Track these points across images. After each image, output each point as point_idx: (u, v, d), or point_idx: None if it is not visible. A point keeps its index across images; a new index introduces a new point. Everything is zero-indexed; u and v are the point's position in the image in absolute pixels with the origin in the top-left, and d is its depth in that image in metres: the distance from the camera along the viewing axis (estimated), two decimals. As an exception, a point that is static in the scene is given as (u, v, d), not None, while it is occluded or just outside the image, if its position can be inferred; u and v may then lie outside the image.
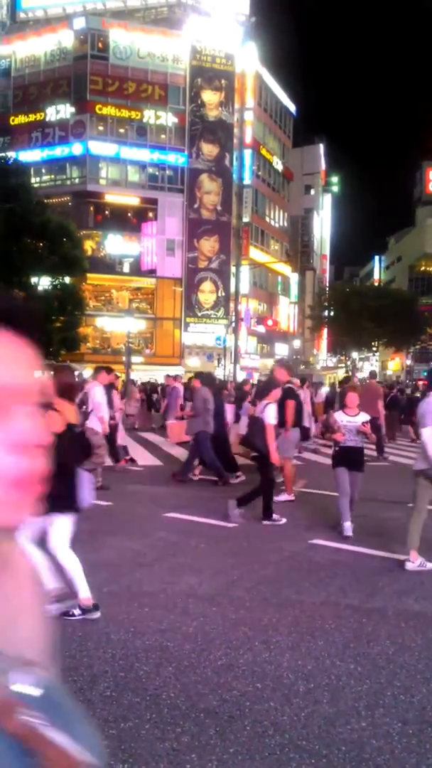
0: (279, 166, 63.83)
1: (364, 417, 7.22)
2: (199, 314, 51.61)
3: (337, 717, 3.29)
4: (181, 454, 14.20)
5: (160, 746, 2.98)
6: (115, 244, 49.92)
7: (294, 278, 70.10)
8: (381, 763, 2.91)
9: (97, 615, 4.46)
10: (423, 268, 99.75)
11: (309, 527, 7.43)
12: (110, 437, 10.65)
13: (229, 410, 11.74)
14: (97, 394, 9.71)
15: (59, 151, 49.69)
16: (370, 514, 8.42)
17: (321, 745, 3.03)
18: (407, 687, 3.65)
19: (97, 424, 9.41)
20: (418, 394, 22.27)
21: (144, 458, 13.50)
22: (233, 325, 44.49)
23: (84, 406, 9.42)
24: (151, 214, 50.89)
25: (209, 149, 51.33)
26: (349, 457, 7.15)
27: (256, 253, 56.34)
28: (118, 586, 5.20)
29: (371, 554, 6.32)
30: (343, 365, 76.03)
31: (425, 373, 54.90)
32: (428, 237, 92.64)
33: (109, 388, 10.56)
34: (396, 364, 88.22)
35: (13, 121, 51.10)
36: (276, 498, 8.42)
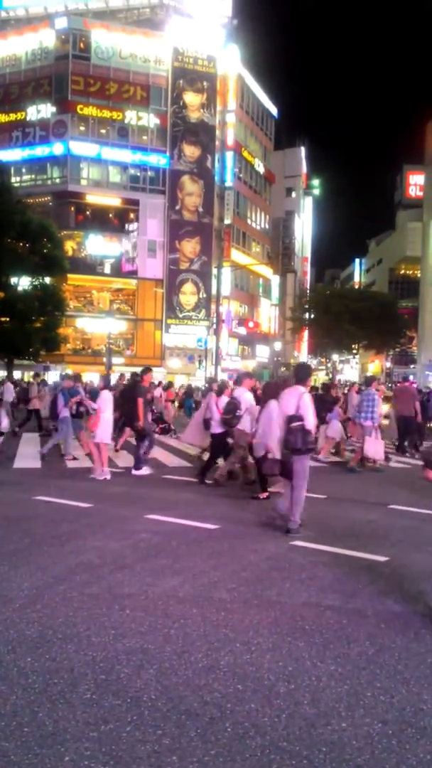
0: (260, 168, 64.06)
1: None
2: (180, 316, 51.62)
3: (318, 718, 3.30)
4: (164, 456, 14.17)
5: (141, 748, 2.98)
6: (96, 245, 49.76)
7: (275, 280, 70.35)
8: (361, 763, 2.92)
9: None
10: (403, 271, 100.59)
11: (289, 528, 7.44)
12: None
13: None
14: (248, 398, 10.40)
15: (40, 151, 49.50)
16: (351, 516, 8.46)
17: (302, 746, 3.03)
18: (387, 688, 3.67)
19: (248, 425, 10.01)
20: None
21: (124, 460, 13.46)
22: (214, 326, 44.54)
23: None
24: (132, 215, 50.81)
25: (191, 151, 51.38)
26: None
27: (237, 255, 56.47)
28: (99, 588, 5.17)
29: (351, 555, 6.34)
30: (323, 367, 76.43)
31: None
32: (409, 240, 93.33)
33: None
34: (376, 366, 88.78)
35: (-7, 120, 50.81)
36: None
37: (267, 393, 9.20)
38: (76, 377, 15.57)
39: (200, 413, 12.24)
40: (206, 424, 11.43)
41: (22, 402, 21.07)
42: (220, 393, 11.34)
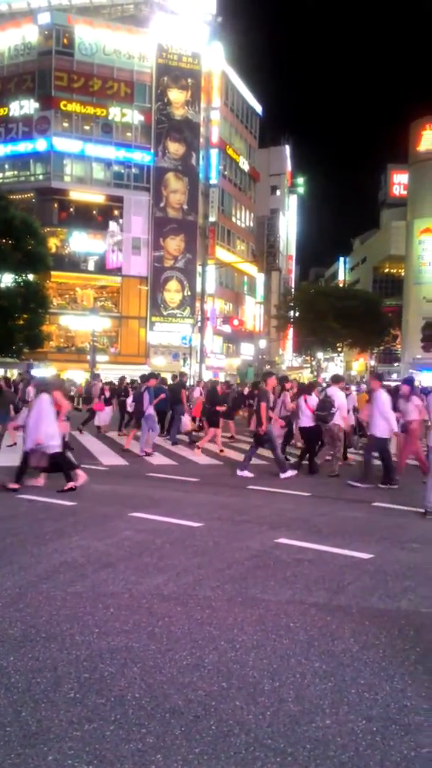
0: (245, 166, 64.06)
1: None
2: (165, 313, 51.52)
3: (302, 715, 3.30)
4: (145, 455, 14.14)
5: (125, 747, 2.96)
6: (80, 242, 49.54)
7: (260, 278, 70.41)
8: (346, 760, 2.92)
9: None
10: (387, 270, 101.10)
11: (274, 526, 7.45)
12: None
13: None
14: (340, 396, 12.04)
15: (23, 147, 49.17)
16: (335, 514, 8.49)
17: (286, 744, 3.03)
18: (371, 684, 3.68)
19: (341, 421, 11.97)
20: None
21: (109, 458, 13.43)
22: (199, 324, 44.57)
23: None
24: (116, 212, 50.62)
25: (175, 148, 51.27)
26: None
27: (222, 253, 56.47)
28: (83, 587, 5.15)
29: (336, 553, 6.36)
30: (308, 365, 76.64)
31: None
32: (393, 239, 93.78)
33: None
34: (360, 364, 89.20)
35: (-25, 115, 50.36)
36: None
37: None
38: (157, 376, 16.53)
39: (277, 411, 13.22)
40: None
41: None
42: (309, 392, 12.51)
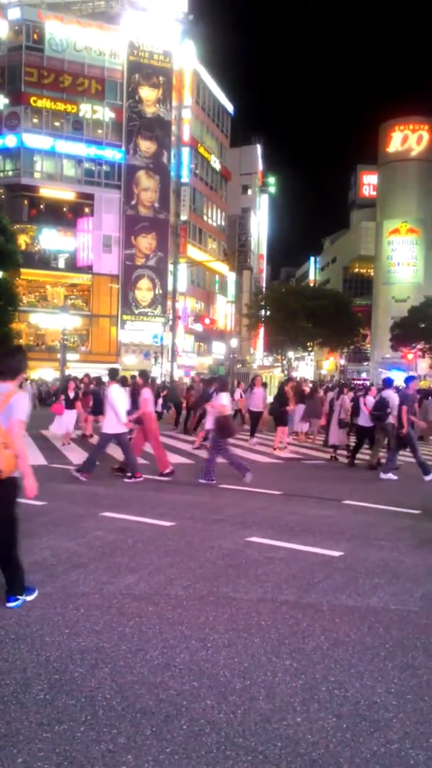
0: (217, 165, 64.05)
1: None
2: (136, 312, 51.32)
3: (273, 713, 3.32)
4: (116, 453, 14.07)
5: (96, 748, 2.95)
6: (50, 239, 49.09)
7: (231, 277, 70.45)
8: (316, 757, 2.94)
9: None
10: (357, 270, 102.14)
11: (245, 525, 7.47)
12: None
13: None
14: (395, 397, 12.51)
15: (-8, 143, 48.53)
16: (306, 512, 8.54)
17: (257, 742, 3.04)
18: (341, 682, 3.71)
19: (394, 420, 12.40)
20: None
21: (79, 457, 13.33)
22: (170, 323, 44.43)
23: None
24: (87, 210, 50.27)
25: (147, 146, 51.08)
26: None
27: (193, 252, 56.40)
28: (53, 587, 5.11)
29: (307, 551, 6.40)
30: (279, 364, 76.91)
31: None
32: (362, 239, 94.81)
33: None
34: (331, 363, 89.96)
35: None
36: None
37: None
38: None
39: (336, 415, 14.42)
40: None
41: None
42: (366, 394, 13.86)
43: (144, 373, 12.39)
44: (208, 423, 11.34)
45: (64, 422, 15.14)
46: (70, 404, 15.36)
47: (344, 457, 14.24)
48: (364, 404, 13.25)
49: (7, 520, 4.65)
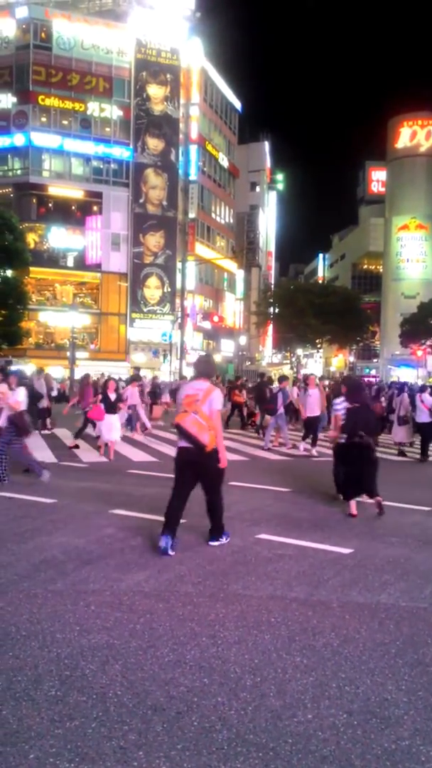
0: (225, 162, 63.95)
1: None
2: (145, 310, 51.33)
3: (284, 710, 3.32)
4: (130, 451, 14.10)
5: (107, 744, 2.96)
6: (59, 238, 49.17)
7: (240, 275, 70.42)
8: (327, 754, 2.94)
9: None
10: (366, 267, 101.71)
11: (254, 522, 7.47)
12: None
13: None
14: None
15: (0, 142, 48.62)
16: (315, 509, 8.53)
17: (268, 739, 3.05)
18: (352, 678, 3.71)
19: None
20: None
21: (90, 455, 13.37)
22: (179, 320, 44.47)
23: None
24: (95, 208, 50.31)
25: (155, 144, 51.05)
26: None
27: (201, 249, 56.37)
28: (63, 585, 5.13)
29: (316, 548, 6.40)
30: (287, 361, 76.86)
31: None
32: (371, 236, 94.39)
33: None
34: (339, 360, 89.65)
35: None
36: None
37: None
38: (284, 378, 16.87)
39: (397, 413, 15.26)
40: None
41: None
42: (422, 390, 14.66)
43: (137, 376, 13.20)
44: (2, 420, 9.75)
45: (111, 426, 12.89)
46: (110, 407, 12.88)
47: (401, 455, 14.87)
48: (421, 401, 14.11)
49: (219, 474, 6.47)
